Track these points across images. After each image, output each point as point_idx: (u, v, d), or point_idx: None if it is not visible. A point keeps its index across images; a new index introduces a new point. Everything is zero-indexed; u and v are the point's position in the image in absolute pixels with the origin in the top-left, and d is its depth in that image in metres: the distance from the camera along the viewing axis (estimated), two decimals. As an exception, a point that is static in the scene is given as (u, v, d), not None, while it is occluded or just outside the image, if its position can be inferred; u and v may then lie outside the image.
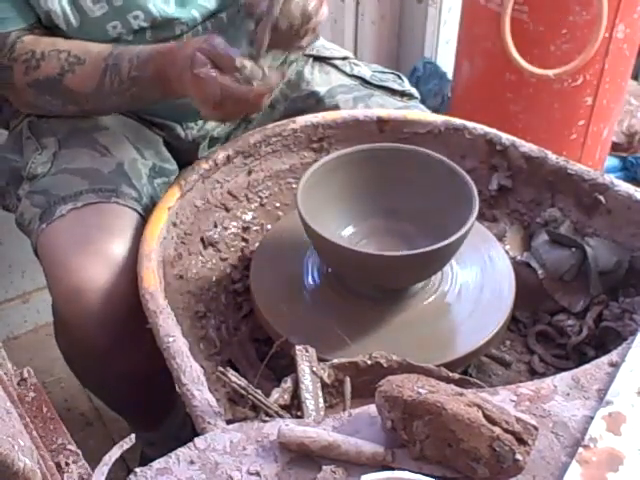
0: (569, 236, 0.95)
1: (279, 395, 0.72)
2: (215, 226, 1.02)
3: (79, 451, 0.65)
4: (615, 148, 1.95)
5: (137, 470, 0.61)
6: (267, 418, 0.67)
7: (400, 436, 0.61)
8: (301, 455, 0.62)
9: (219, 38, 0.91)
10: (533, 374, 0.90)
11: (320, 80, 1.20)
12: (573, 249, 0.94)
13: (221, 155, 1.01)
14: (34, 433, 0.63)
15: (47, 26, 1.01)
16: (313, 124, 1.06)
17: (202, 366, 0.75)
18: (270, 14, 0.88)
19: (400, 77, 1.24)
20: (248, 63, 0.89)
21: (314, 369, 0.74)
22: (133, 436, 0.64)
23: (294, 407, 0.72)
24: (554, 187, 0.99)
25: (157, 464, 0.62)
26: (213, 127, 1.17)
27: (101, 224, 0.93)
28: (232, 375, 0.71)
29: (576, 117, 1.57)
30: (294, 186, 1.07)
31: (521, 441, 0.59)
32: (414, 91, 1.23)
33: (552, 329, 0.94)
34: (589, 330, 0.90)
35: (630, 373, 0.68)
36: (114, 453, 0.62)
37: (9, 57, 0.98)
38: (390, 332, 0.85)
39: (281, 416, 0.69)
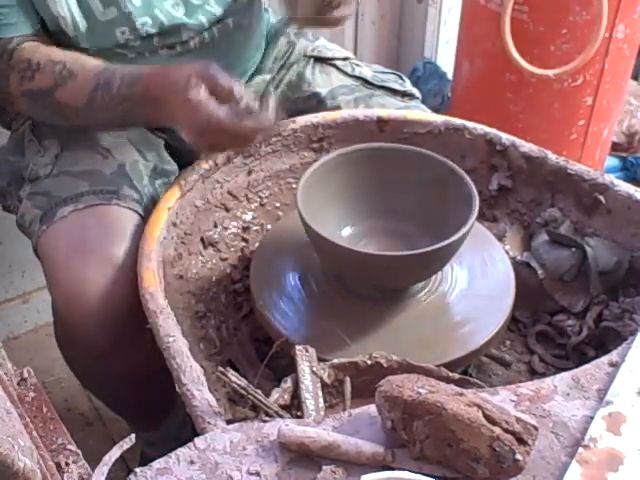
0: (569, 236, 0.95)
1: (279, 395, 0.72)
2: (215, 226, 1.02)
3: (79, 451, 0.65)
4: (615, 148, 1.95)
5: (137, 470, 0.61)
6: (267, 418, 0.67)
7: (400, 436, 0.61)
8: (301, 455, 0.62)
9: (218, 66, 0.88)
10: (533, 374, 0.90)
11: (321, 81, 1.20)
12: (573, 249, 0.94)
13: (221, 155, 1.01)
14: (34, 433, 0.63)
15: (52, 31, 1.00)
16: (313, 124, 1.06)
17: (202, 366, 0.75)
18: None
19: (401, 77, 1.23)
20: (246, 95, 0.86)
21: (314, 369, 0.74)
22: (133, 436, 0.64)
23: (294, 407, 0.72)
24: (554, 187, 0.99)
25: (157, 464, 0.62)
26: None
27: (101, 226, 0.93)
28: (232, 375, 0.71)
29: (576, 117, 1.57)
30: (294, 186, 1.07)
31: (521, 441, 0.59)
32: (415, 91, 1.22)
33: (552, 329, 0.94)
34: (589, 330, 0.90)
35: (630, 373, 0.68)
36: (114, 453, 0.62)
37: (7, 64, 0.96)
38: (390, 332, 0.85)
39: (281, 416, 0.69)
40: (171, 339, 0.77)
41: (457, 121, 1.05)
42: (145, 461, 0.64)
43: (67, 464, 0.63)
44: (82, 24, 0.98)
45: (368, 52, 2.06)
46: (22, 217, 1.01)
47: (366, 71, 1.22)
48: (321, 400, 0.72)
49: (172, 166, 1.10)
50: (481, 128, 1.04)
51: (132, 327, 0.87)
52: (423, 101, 1.24)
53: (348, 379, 0.76)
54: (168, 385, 0.79)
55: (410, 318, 0.87)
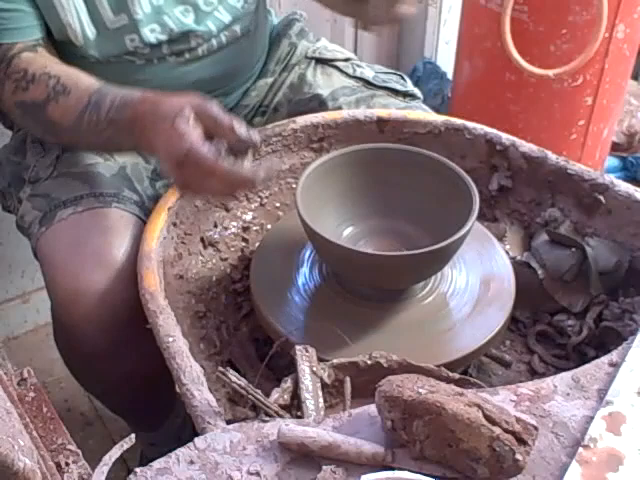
0: (569, 236, 0.95)
1: (279, 395, 0.72)
2: (215, 226, 1.02)
3: (79, 451, 0.65)
4: (615, 148, 1.95)
5: (137, 470, 0.61)
6: (267, 418, 0.67)
7: (400, 436, 0.61)
8: (301, 455, 0.62)
9: (217, 103, 0.82)
10: (533, 374, 0.90)
11: (322, 83, 1.20)
12: (573, 249, 0.94)
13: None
14: (34, 433, 0.63)
15: (57, 40, 0.98)
16: (313, 124, 1.06)
17: (202, 366, 0.75)
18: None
19: (403, 77, 1.23)
20: (246, 134, 0.80)
21: (314, 369, 0.74)
22: (133, 436, 0.64)
23: (294, 407, 0.72)
24: (554, 187, 0.99)
25: (157, 464, 0.62)
26: None
27: (101, 229, 0.93)
28: (232, 375, 0.71)
29: (576, 117, 1.57)
30: (294, 186, 1.07)
31: (521, 441, 0.59)
32: (417, 91, 1.22)
33: (552, 329, 0.94)
34: (589, 330, 0.90)
35: (630, 373, 0.68)
36: (114, 453, 0.62)
37: (5, 72, 0.94)
38: (390, 332, 0.85)
39: (281, 416, 0.69)
40: (171, 339, 0.77)
41: (457, 121, 1.05)
42: (145, 461, 0.64)
43: (67, 464, 0.63)
44: (91, 32, 0.97)
45: (368, 52, 2.06)
46: (22, 218, 1.01)
47: (368, 72, 1.21)
48: (321, 400, 0.72)
49: None
50: (481, 128, 1.04)
51: (131, 330, 0.87)
52: (423, 101, 1.24)
53: (348, 379, 0.76)
54: (168, 386, 0.79)
55: (410, 318, 0.87)
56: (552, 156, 0.98)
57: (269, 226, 1.05)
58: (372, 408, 0.65)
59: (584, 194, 0.96)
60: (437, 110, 1.26)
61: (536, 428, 0.60)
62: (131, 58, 1.01)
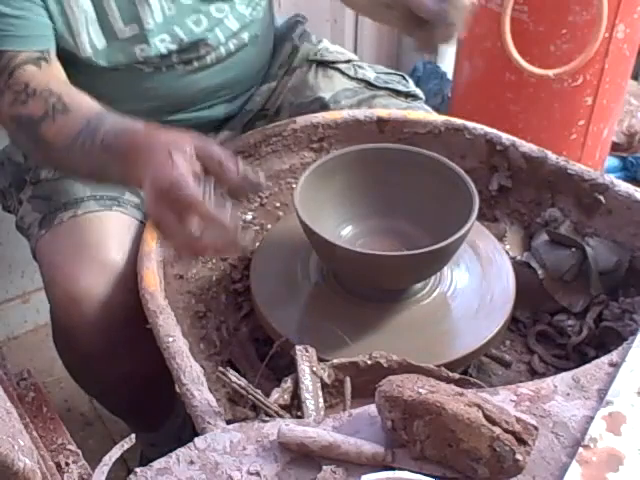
0: (569, 236, 0.95)
1: (279, 395, 0.72)
2: (215, 226, 1.02)
3: (79, 451, 0.65)
4: (615, 148, 1.95)
5: (137, 470, 0.61)
6: (267, 418, 0.67)
7: (400, 436, 0.61)
8: (301, 455, 0.62)
9: (218, 144, 0.79)
10: (533, 374, 0.90)
11: (324, 85, 1.19)
12: (573, 249, 0.94)
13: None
14: (34, 433, 0.63)
15: (63, 49, 0.95)
16: (313, 124, 1.06)
17: (202, 366, 0.75)
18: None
19: (405, 78, 1.23)
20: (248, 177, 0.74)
21: (314, 369, 0.74)
22: (133, 436, 0.64)
23: (294, 407, 0.72)
24: (554, 187, 0.99)
25: (157, 464, 0.62)
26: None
27: (100, 232, 0.93)
28: (232, 375, 0.71)
29: (576, 117, 1.57)
30: (294, 186, 1.07)
31: (521, 441, 0.59)
32: (419, 92, 1.22)
33: (552, 329, 0.94)
34: (589, 330, 0.90)
35: (630, 373, 0.68)
36: (114, 453, 0.62)
37: (5, 82, 0.90)
38: (390, 332, 0.85)
39: (281, 416, 0.69)
40: (171, 339, 0.77)
41: (457, 121, 1.05)
42: (145, 461, 0.64)
43: (67, 464, 0.64)
44: (99, 42, 0.96)
45: (368, 52, 2.06)
46: (21, 219, 1.01)
47: (369, 73, 1.21)
48: (321, 400, 0.72)
49: None
50: (481, 128, 1.04)
51: (130, 331, 0.87)
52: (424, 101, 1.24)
53: (348, 379, 0.76)
54: (168, 387, 0.79)
55: (410, 318, 0.87)
56: (552, 156, 0.98)
57: (269, 226, 1.05)
58: (372, 408, 0.65)
59: (584, 194, 0.96)
60: (437, 110, 1.26)
61: (536, 428, 0.60)
62: (140, 66, 1.00)
